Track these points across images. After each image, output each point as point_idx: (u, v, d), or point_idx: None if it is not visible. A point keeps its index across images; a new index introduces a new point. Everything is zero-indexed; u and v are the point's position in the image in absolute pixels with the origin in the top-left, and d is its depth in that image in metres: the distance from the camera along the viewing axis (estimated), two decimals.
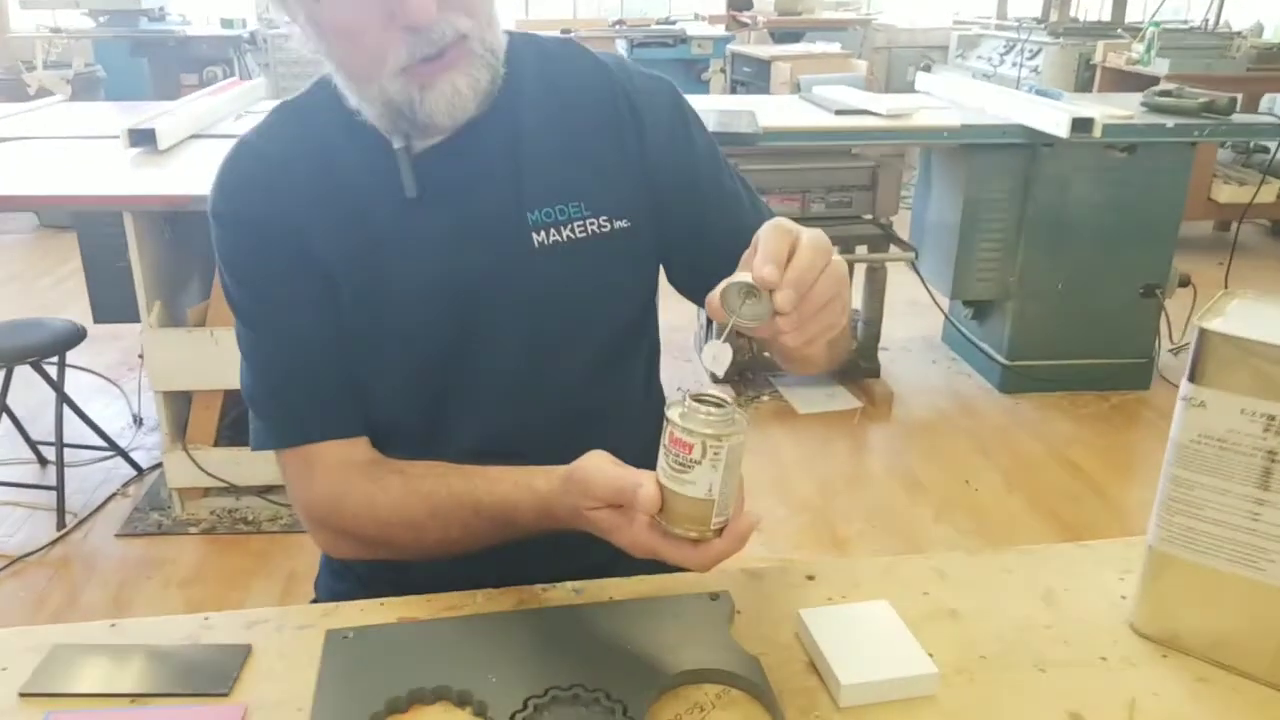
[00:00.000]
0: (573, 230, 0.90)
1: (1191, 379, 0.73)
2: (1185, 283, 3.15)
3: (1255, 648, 0.75)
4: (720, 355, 0.70)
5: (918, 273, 3.18)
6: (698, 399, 0.68)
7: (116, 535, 2.34)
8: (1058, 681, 0.76)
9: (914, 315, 3.57)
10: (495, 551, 0.85)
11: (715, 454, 0.67)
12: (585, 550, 0.80)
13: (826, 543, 2.39)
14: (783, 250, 0.68)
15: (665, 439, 0.69)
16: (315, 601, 1.02)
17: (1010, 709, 0.73)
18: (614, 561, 0.81)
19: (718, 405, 0.68)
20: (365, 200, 0.88)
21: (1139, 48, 4.50)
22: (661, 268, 0.99)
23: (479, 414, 0.92)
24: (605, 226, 0.91)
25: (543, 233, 0.89)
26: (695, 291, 1.01)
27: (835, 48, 5.37)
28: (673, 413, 0.69)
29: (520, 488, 0.82)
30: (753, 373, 3.20)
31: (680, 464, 0.68)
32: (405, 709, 0.71)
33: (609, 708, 0.70)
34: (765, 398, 3.12)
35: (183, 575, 2.21)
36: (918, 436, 2.94)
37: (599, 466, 0.75)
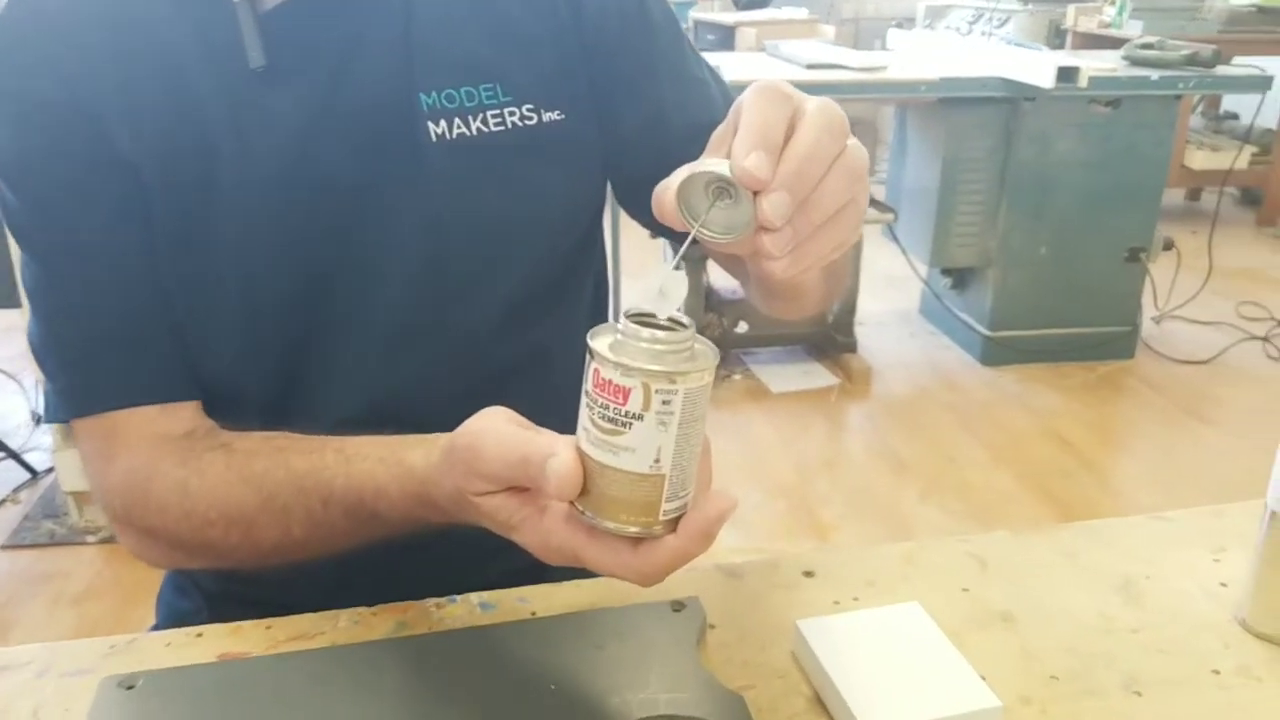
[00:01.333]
0: (484, 121, 0.67)
1: None
2: (1169, 246, 3.03)
3: None
4: (670, 286, 0.46)
5: (896, 239, 2.99)
6: (638, 319, 0.45)
7: (1, 547, 2.07)
8: (1162, 709, 0.54)
9: (891, 288, 3.41)
10: (379, 551, 0.61)
11: (665, 404, 0.44)
12: (504, 547, 0.57)
13: (807, 529, 2.21)
14: (777, 128, 0.45)
15: (588, 383, 0.46)
16: (155, 627, 0.78)
17: None
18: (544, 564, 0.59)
19: (669, 329, 0.45)
20: (189, 73, 0.63)
21: (1111, 10, 4.37)
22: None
23: (353, 374, 0.68)
24: (530, 118, 0.69)
25: (442, 123, 0.67)
26: (647, 210, 0.78)
27: (803, 13, 5.17)
28: (600, 342, 0.45)
29: (388, 465, 0.58)
30: (723, 350, 2.98)
31: (611, 421, 0.45)
32: None
33: None
34: (736, 376, 2.92)
35: (76, 590, 1.94)
36: (898, 413, 2.78)
37: (493, 429, 0.50)
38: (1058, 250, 2.89)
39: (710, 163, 0.46)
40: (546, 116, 0.69)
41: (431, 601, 0.62)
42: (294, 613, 0.60)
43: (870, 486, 2.39)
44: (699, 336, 0.46)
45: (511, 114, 0.68)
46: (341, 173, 0.65)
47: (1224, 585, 0.64)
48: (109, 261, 0.64)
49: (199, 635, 0.58)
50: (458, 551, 0.61)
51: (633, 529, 0.47)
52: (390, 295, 0.68)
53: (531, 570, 0.62)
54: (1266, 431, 2.64)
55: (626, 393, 0.44)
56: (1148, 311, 3.10)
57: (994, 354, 2.98)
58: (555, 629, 0.58)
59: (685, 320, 0.46)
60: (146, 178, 0.63)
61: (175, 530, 0.64)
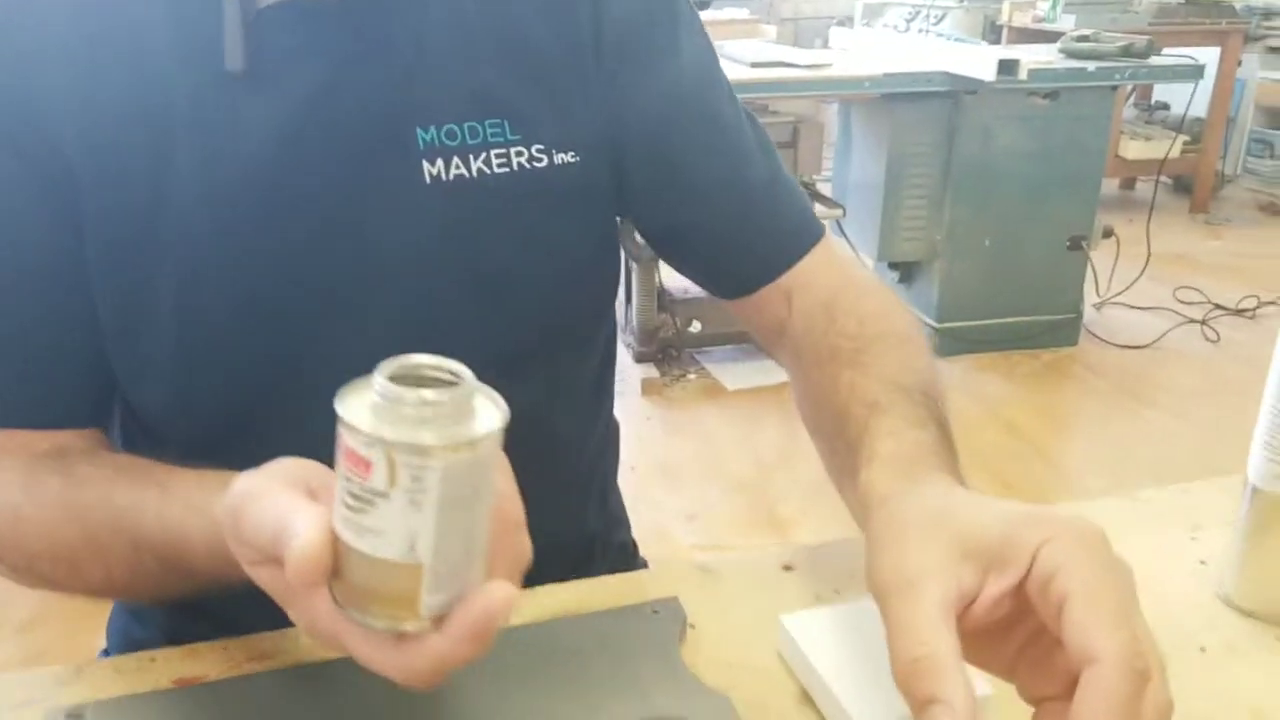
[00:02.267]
0: (486, 162, 0.61)
1: None
2: (1109, 234, 3.10)
3: None
4: None
5: (844, 235, 3.01)
6: (402, 371, 0.38)
7: None
8: None
9: None
10: None
11: (415, 480, 0.36)
12: None
13: (766, 524, 2.20)
14: None
15: (337, 450, 0.38)
16: (105, 653, 0.73)
17: None
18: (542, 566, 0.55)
19: (436, 383, 0.38)
20: (157, 66, 0.57)
21: (1044, 5, 4.45)
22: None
23: (317, 422, 0.63)
24: (539, 159, 0.62)
25: (439, 162, 0.60)
26: (665, 252, 0.73)
27: (743, 13, 5.19)
28: (347, 402, 0.37)
29: (195, 512, 0.49)
30: (676, 349, 2.97)
31: (356, 498, 0.37)
32: None
33: None
34: (691, 376, 2.91)
35: (20, 618, 1.86)
36: None
37: (259, 492, 0.42)
38: (1002, 241, 2.93)
39: None
40: (559, 158, 0.63)
41: None
42: (258, 629, 0.56)
43: (828, 481, 2.38)
44: (482, 389, 0.39)
45: (519, 154, 0.61)
46: (315, 198, 0.59)
47: (1203, 563, 0.64)
48: (17, 264, 0.58)
49: (152, 660, 0.54)
50: None
51: (381, 624, 0.38)
52: (365, 341, 0.56)
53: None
54: (1205, 411, 2.70)
55: (369, 465, 0.36)
56: (1089, 299, 3.15)
57: (943, 345, 3.01)
58: (530, 637, 0.56)
59: (460, 373, 0.38)
60: (86, 179, 0.57)
61: (12, 560, 0.58)
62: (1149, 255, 3.25)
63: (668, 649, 0.54)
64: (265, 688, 0.52)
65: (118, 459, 0.59)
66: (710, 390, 2.83)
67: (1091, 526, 0.41)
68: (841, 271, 0.71)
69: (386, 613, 0.38)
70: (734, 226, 0.68)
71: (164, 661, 0.54)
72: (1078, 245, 2.98)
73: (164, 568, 0.51)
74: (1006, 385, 2.87)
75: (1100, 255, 3.08)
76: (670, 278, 2.88)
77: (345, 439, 0.37)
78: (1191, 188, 4.50)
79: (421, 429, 0.36)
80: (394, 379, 0.37)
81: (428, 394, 0.37)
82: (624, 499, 0.87)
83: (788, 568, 0.64)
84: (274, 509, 0.40)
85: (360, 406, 0.37)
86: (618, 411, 0.83)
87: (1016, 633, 0.43)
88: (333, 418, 0.37)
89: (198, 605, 0.63)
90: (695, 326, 2.94)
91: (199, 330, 0.59)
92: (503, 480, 0.42)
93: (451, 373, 0.39)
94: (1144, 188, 4.53)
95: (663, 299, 2.88)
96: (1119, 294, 3.27)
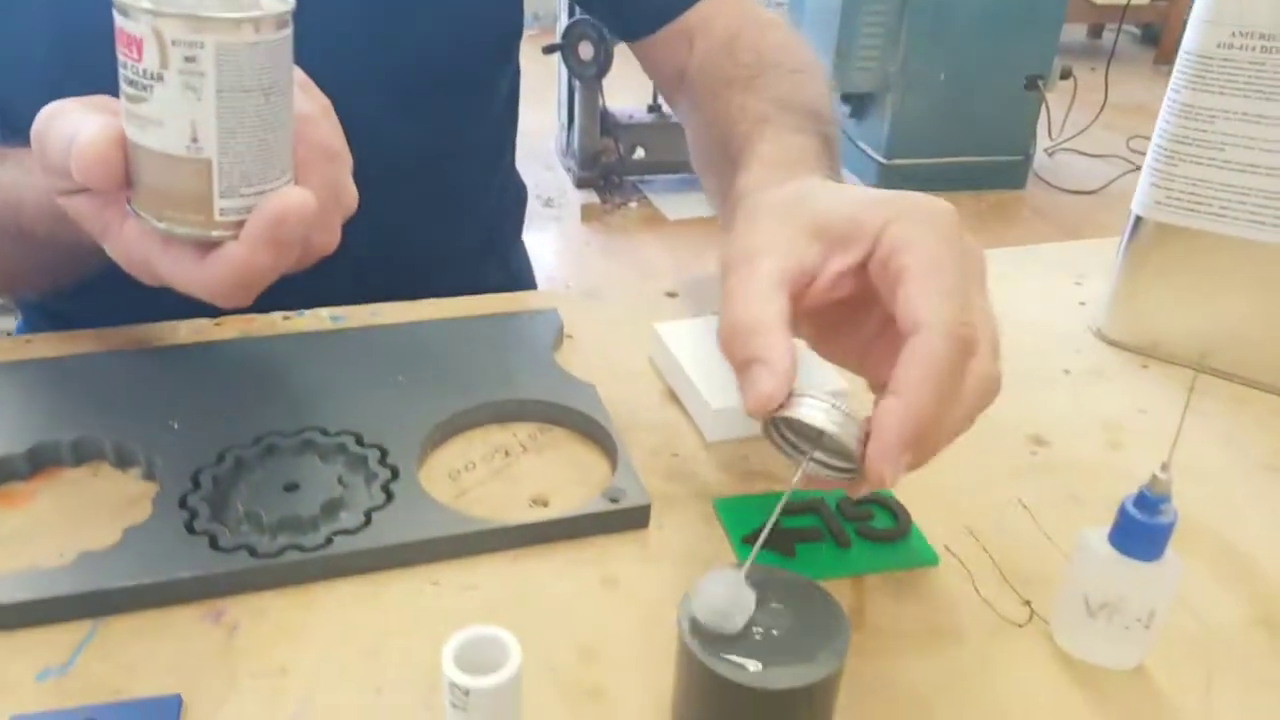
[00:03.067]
0: None
1: None
2: (1067, 75, 3.04)
3: (1266, 345, 0.55)
4: (731, 602, 0.32)
5: None
6: None
7: None
8: (1009, 401, 0.54)
9: None
10: None
11: (189, 61, 0.34)
12: (360, 266, 0.53)
13: None
14: (930, 417, 0.33)
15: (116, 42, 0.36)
16: None
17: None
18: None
19: None
20: None
21: None
22: None
23: None
24: None
25: None
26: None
27: None
28: None
29: (23, 170, 0.47)
30: (618, 176, 2.92)
31: (131, 84, 0.35)
32: (26, 474, 0.45)
33: (359, 455, 0.45)
34: (633, 204, 2.87)
35: None
36: None
37: (59, 112, 0.39)
38: (957, 76, 2.87)
39: (821, 407, 0.34)
40: None
41: (279, 314, 0.58)
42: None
43: None
44: None
45: None
46: None
47: (1083, 304, 0.65)
48: None
49: (28, 342, 0.53)
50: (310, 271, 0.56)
51: (182, 229, 0.37)
52: None
53: (387, 293, 0.58)
54: None
55: (140, 45, 0.34)
56: (1041, 143, 3.14)
57: (889, 182, 2.98)
58: (407, 333, 0.55)
59: None
60: None
61: None
62: (1105, 102, 3.22)
63: (541, 349, 0.54)
64: (128, 362, 0.52)
65: None
66: (650, 219, 2.80)
67: (943, 207, 0.39)
68: (744, 11, 0.69)
69: (183, 217, 0.37)
70: None
71: (41, 344, 0.53)
72: (1034, 85, 2.93)
73: (4, 237, 0.50)
74: None
75: (1056, 99, 3.04)
76: (614, 100, 2.80)
77: (117, 21, 0.35)
78: (1159, 38, 4.43)
79: (195, 3, 0.34)
80: None
81: None
82: None
83: (671, 294, 0.63)
84: (69, 124, 0.38)
85: None
86: (556, 235, 0.82)
87: (865, 323, 0.41)
88: None
89: (79, 316, 0.61)
90: (639, 153, 2.88)
91: (69, 44, 0.55)
92: (312, 104, 0.40)
93: None
94: (1111, 36, 4.45)
95: (606, 122, 2.81)
96: (1070, 139, 3.26)
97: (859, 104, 3.03)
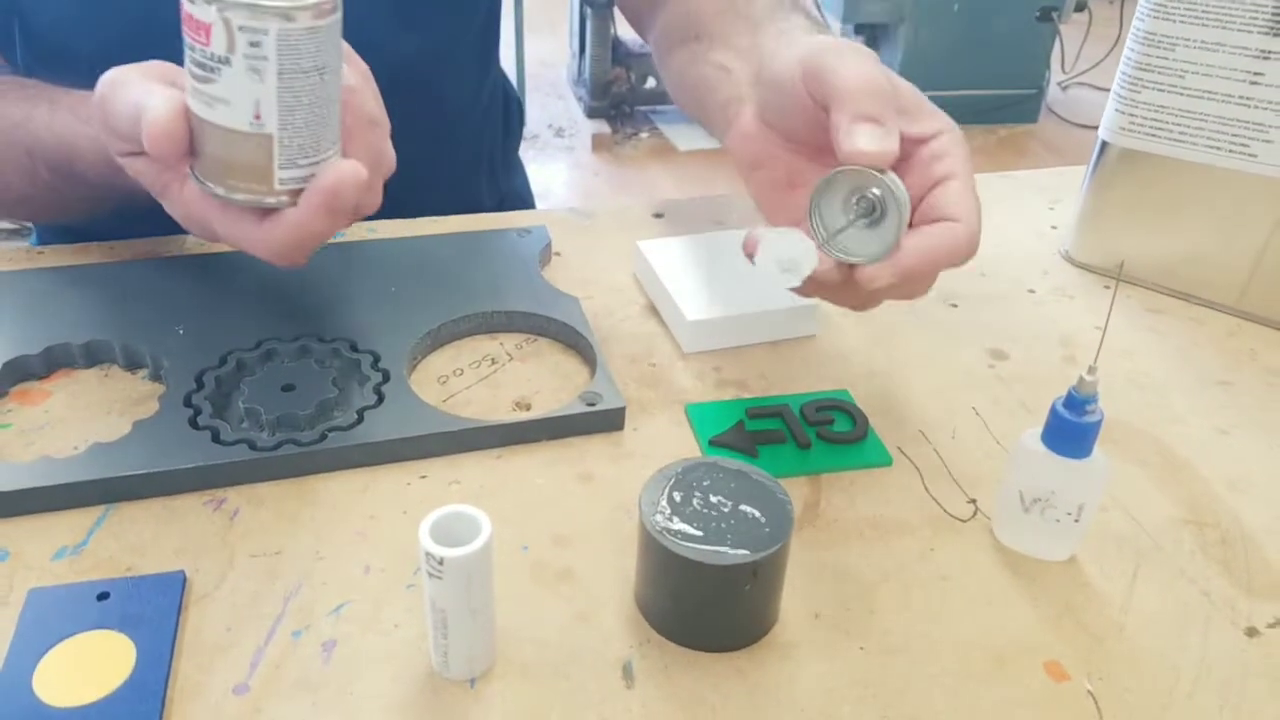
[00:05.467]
0: None
1: None
2: (1081, 7, 3.00)
3: (1224, 268, 0.57)
4: (794, 255, 0.41)
5: None
6: None
7: None
8: (972, 317, 0.57)
9: None
10: None
11: (254, 46, 0.38)
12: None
13: None
14: (936, 269, 0.43)
15: (182, 24, 0.39)
16: None
17: (908, 348, 0.54)
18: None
19: None
20: None
21: None
22: None
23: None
24: None
25: None
26: None
27: None
28: None
29: (83, 120, 0.50)
30: (629, 106, 2.91)
31: (200, 66, 0.39)
32: (42, 374, 0.48)
33: (352, 360, 0.48)
34: (644, 135, 2.86)
35: None
36: None
37: (122, 81, 0.43)
38: (970, 8, 2.84)
39: (853, 170, 0.40)
40: None
41: None
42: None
43: None
44: None
45: None
46: None
47: (1054, 228, 0.67)
48: None
49: (41, 253, 0.56)
50: None
51: (241, 196, 0.41)
52: None
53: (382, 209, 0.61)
54: None
55: (208, 30, 0.38)
56: (1055, 77, 3.10)
57: None
58: (393, 249, 0.58)
59: None
60: None
61: None
62: (1120, 35, 3.17)
63: (528, 263, 0.57)
64: (135, 271, 0.55)
65: (8, 80, 0.58)
66: (661, 150, 2.80)
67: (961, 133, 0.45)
68: None
69: (244, 186, 0.41)
70: None
71: (53, 254, 0.56)
72: (1048, 17, 2.89)
73: (57, 176, 0.53)
74: None
75: (1071, 32, 3.00)
76: (626, 29, 2.77)
77: (184, 6, 0.38)
78: None
79: None
80: None
81: None
82: None
83: (658, 215, 0.66)
84: (133, 95, 0.41)
85: None
86: (568, 165, 0.82)
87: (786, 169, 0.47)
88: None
89: (90, 232, 0.64)
90: (650, 83, 2.86)
91: None
92: (354, 75, 0.43)
93: None
94: None
95: (618, 52, 2.79)
96: (1084, 72, 3.22)
97: (872, 35, 3.00)
